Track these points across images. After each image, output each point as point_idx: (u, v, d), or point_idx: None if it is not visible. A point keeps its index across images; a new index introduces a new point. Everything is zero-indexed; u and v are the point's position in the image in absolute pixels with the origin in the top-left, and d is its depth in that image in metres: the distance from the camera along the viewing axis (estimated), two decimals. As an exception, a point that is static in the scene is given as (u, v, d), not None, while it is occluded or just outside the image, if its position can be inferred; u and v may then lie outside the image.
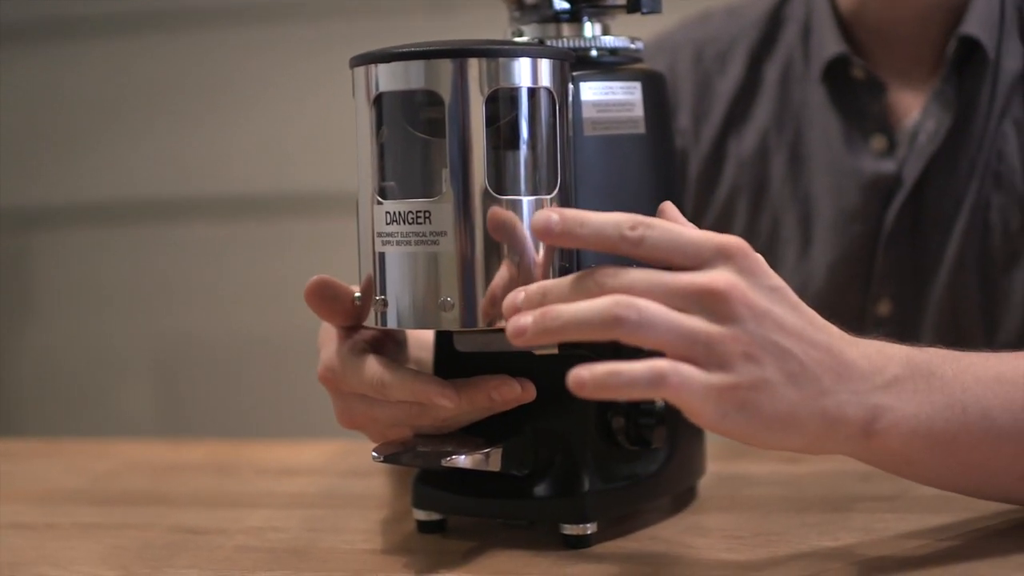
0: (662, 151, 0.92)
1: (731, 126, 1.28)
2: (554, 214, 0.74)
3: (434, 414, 0.82)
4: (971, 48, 1.15)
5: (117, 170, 2.55)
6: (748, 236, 1.24)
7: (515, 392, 0.81)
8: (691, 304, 0.72)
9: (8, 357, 2.64)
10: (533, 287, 0.75)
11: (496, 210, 0.79)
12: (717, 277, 0.72)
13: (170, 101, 2.52)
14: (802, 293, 1.16)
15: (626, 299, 0.71)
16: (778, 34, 1.28)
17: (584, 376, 0.71)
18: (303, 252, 2.42)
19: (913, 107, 1.19)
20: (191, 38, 2.50)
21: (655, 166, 0.91)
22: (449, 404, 0.80)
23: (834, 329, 0.77)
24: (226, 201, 2.52)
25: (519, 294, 0.75)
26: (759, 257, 0.75)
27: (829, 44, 1.21)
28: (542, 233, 0.74)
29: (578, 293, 0.73)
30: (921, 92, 1.19)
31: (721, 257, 0.73)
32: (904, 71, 1.20)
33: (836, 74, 1.21)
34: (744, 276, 0.73)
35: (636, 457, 0.88)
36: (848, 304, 1.20)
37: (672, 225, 0.75)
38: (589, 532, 0.86)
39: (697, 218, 1.27)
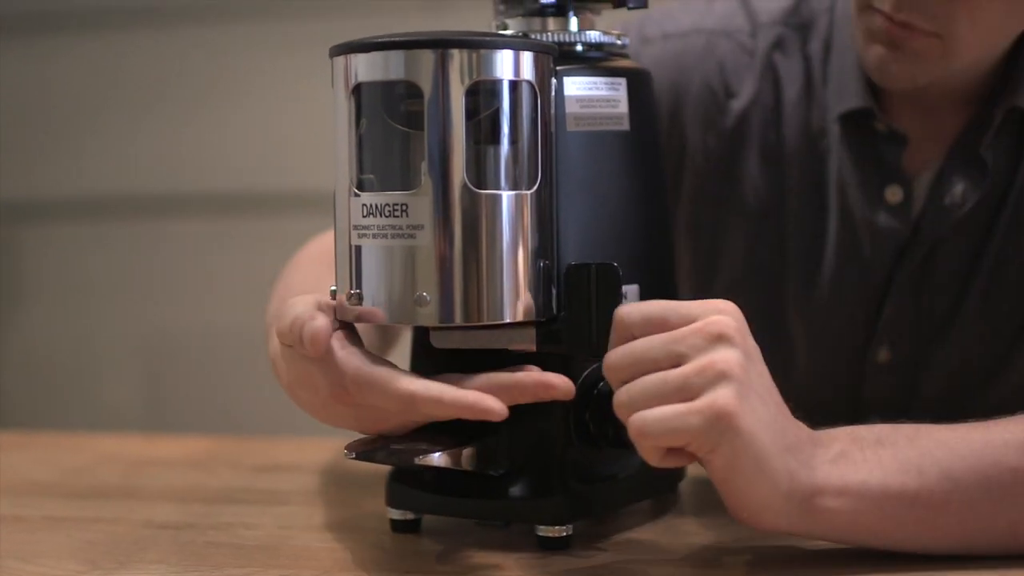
0: (646, 148, 0.90)
1: (743, 141, 1.13)
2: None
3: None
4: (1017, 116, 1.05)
5: (107, 165, 2.53)
6: (749, 264, 1.16)
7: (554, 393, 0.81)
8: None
9: (-4, 348, 2.62)
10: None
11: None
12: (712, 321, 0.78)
13: (161, 96, 2.51)
14: (803, 333, 1.11)
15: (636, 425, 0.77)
16: (798, 41, 1.13)
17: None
18: (293, 249, 2.40)
19: (932, 158, 1.07)
20: (183, 33, 2.49)
21: (639, 163, 0.89)
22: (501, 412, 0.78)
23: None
24: (215, 197, 2.51)
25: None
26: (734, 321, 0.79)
27: (851, 94, 1.07)
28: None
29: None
30: (942, 143, 1.07)
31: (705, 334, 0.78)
32: (927, 124, 1.07)
33: (856, 122, 1.08)
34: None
35: (614, 458, 0.87)
36: (847, 348, 1.11)
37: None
38: (565, 534, 0.84)
39: (694, 235, 1.15)
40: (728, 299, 0.80)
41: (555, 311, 0.82)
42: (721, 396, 0.76)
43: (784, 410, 0.80)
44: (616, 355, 0.79)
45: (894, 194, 1.07)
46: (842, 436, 0.82)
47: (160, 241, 2.53)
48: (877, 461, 0.80)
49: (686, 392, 0.76)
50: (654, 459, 0.78)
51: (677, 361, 0.77)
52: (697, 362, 0.77)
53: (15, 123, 2.57)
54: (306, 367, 0.82)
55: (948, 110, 1.06)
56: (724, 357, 0.77)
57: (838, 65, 1.09)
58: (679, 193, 1.13)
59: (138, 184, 2.53)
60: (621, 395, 0.78)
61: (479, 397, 0.78)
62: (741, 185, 1.12)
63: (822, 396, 1.11)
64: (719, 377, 0.76)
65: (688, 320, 0.78)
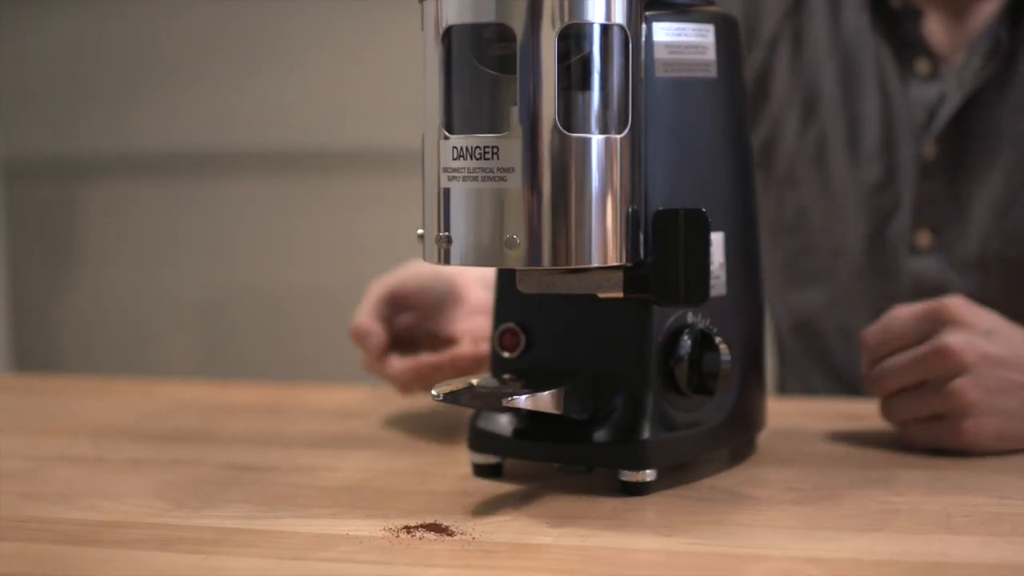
0: (734, 95, 0.90)
1: (780, 43, 1.26)
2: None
3: None
4: None
5: (167, 122, 2.54)
6: (795, 150, 1.22)
7: None
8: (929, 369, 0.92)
9: (57, 303, 2.64)
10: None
11: None
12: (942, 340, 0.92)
13: (220, 54, 2.51)
14: (847, 217, 1.19)
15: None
16: None
17: None
18: (349, 206, 2.42)
19: (964, 37, 1.17)
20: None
21: (726, 110, 0.89)
22: None
23: None
24: (273, 155, 2.51)
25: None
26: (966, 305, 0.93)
27: None
28: None
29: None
30: (971, 23, 1.17)
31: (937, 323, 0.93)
32: (953, 7, 1.18)
33: (873, 2, 1.20)
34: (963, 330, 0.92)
35: (698, 406, 0.87)
36: (889, 231, 1.20)
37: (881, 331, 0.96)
38: (648, 479, 0.84)
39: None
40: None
41: (642, 256, 0.82)
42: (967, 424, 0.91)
43: None
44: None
45: (924, 66, 1.17)
46: None
47: (218, 199, 2.54)
48: None
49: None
50: None
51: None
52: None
53: (77, 80, 2.58)
54: None
55: None
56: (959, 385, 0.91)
57: None
58: (766, 87, 1.24)
59: (196, 142, 2.54)
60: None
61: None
62: (802, 70, 1.23)
63: (865, 284, 1.22)
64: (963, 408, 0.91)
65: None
